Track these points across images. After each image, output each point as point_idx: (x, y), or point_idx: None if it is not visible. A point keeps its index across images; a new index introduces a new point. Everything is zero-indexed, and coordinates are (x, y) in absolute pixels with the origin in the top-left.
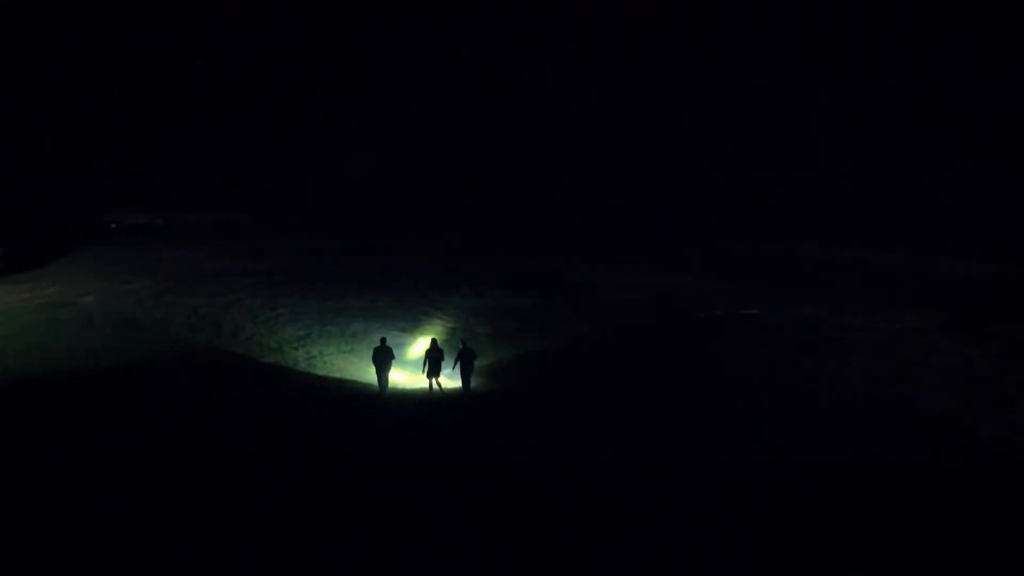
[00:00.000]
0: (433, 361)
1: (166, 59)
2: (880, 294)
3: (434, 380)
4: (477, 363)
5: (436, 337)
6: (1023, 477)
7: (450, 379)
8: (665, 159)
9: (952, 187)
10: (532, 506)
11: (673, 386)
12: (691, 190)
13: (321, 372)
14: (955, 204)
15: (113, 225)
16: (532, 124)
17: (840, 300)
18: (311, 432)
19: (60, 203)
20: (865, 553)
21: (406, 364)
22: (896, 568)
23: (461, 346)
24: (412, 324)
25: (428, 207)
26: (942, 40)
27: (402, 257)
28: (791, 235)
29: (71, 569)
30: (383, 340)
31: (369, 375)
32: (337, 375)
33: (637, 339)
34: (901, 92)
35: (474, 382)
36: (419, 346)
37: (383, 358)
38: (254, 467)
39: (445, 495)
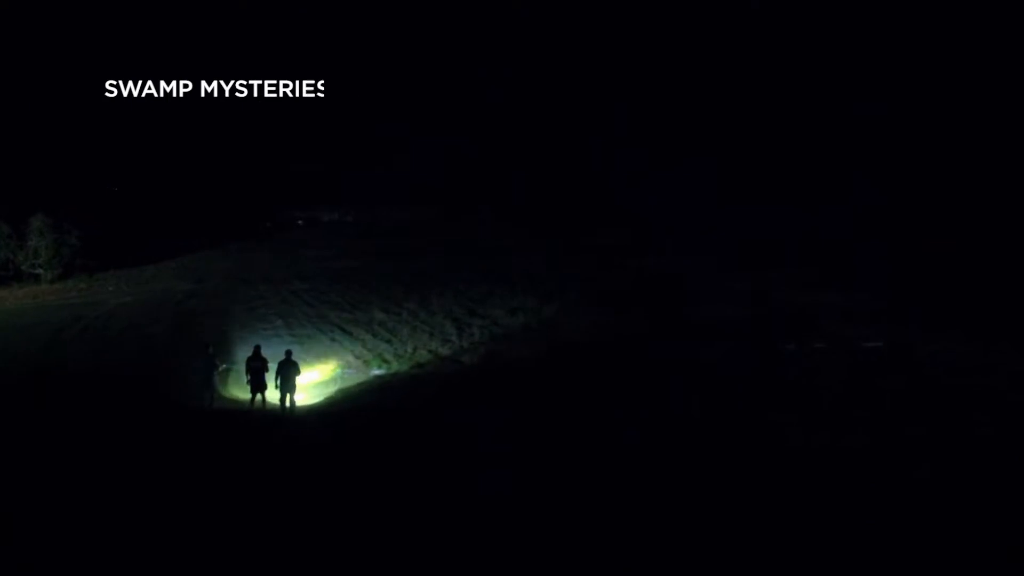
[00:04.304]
0: (254, 372)
1: None
2: None
3: (259, 395)
4: (299, 378)
5: (260, 344)
6: None
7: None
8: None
9: None
10: None
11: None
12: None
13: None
14: None
15: (300, 221)
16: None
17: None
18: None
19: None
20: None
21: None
22: None
23: (284, 356)
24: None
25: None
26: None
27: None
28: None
29: None
30: (207, 347)
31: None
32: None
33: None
34: None
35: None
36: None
37: (205, 368)
38: None
39: None
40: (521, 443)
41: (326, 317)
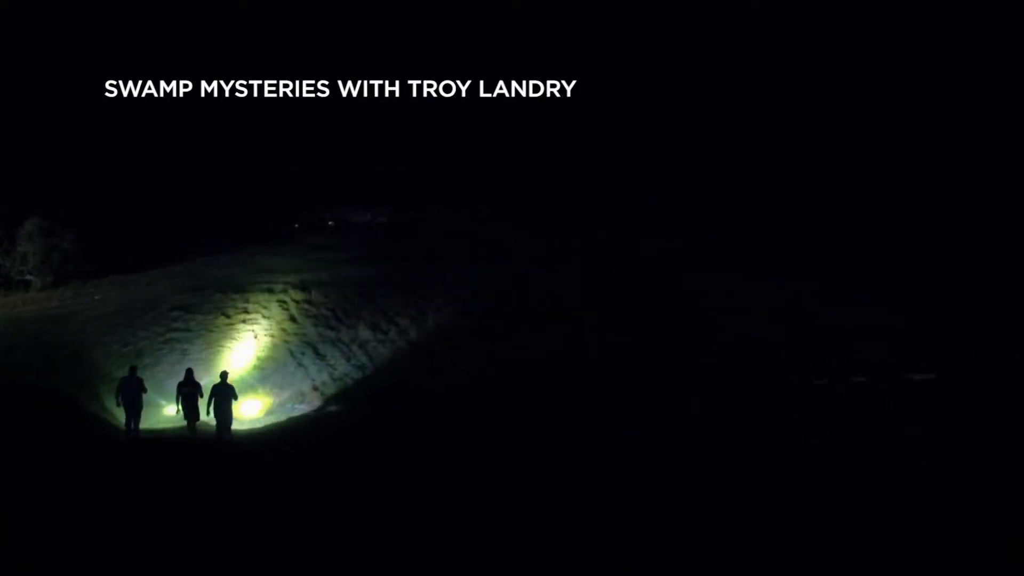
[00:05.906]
0: (186, 398)
1: None
2: None
3: (193, 421)
4: (236, 402)
5: (192, 367)
6: None
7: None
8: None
9: None
10: None
11: None
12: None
13: None
14: None
15: (331, 223)
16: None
17: None
18: None
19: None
20: None
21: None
22: None
23: (218, 380)
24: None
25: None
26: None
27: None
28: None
29: None
30: (132, 370)
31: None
32: None
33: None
34: None
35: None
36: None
37: (131, 392)
38: None
39: None
40: (521, 443)
41: (305, 335)
